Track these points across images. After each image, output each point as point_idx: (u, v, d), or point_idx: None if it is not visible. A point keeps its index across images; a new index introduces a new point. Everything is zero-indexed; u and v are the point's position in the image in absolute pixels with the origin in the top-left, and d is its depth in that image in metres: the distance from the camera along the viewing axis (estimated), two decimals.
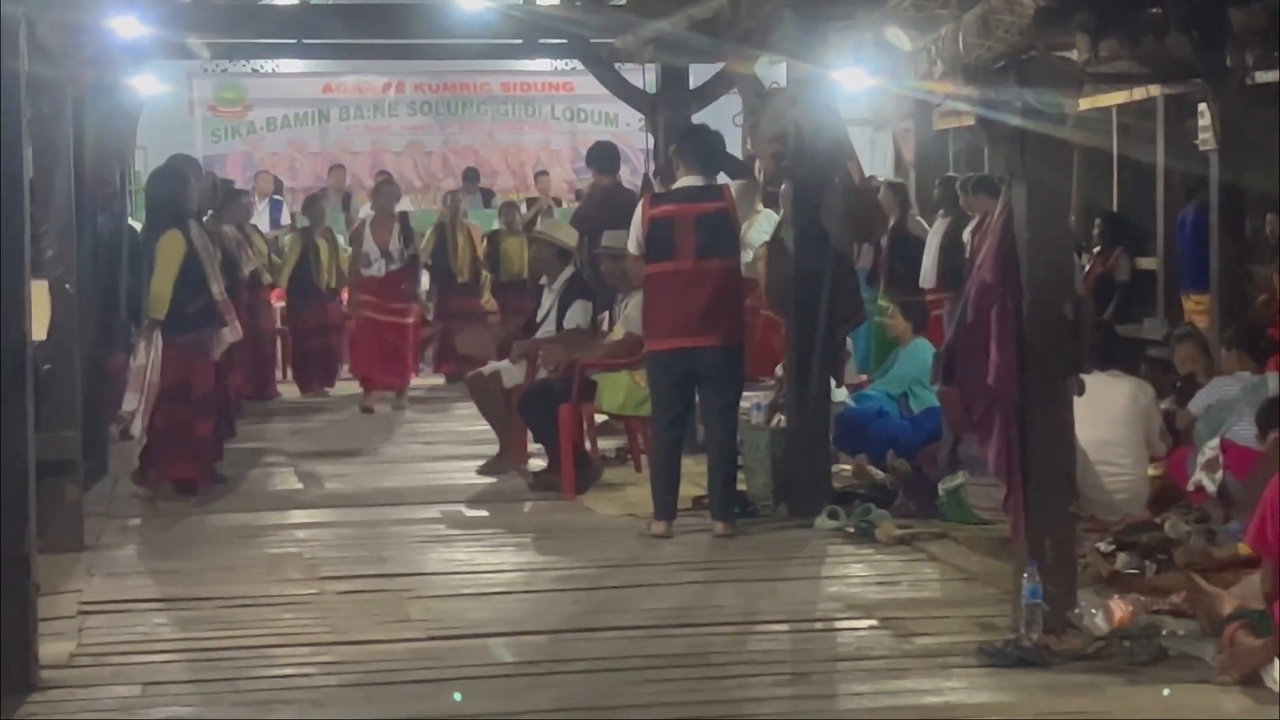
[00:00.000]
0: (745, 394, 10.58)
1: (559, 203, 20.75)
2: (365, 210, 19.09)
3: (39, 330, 7.40)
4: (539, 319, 12.32)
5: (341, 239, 17.64)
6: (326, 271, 17.06)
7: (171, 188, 11.20)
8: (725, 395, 10.12)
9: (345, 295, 16.78)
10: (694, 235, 9.95)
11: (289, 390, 17.52)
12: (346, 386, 17.42)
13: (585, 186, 20.25)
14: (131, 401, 10.79)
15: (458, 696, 6.93)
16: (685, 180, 10.12)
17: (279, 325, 17.75)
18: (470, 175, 21.91)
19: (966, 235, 14.59)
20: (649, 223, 10.02)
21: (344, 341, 17.66)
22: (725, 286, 10.03)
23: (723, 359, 10.03)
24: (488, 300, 18.37)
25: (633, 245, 10.22)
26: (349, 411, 16.00)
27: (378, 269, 15.85)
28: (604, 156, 14.16)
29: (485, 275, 18.24)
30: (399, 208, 16.74)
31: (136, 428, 10.82)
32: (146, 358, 10.78)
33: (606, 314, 12.22)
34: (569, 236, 12.43)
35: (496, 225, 18.86)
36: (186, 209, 11.26)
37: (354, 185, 21.93)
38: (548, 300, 12.30)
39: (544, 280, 12.56)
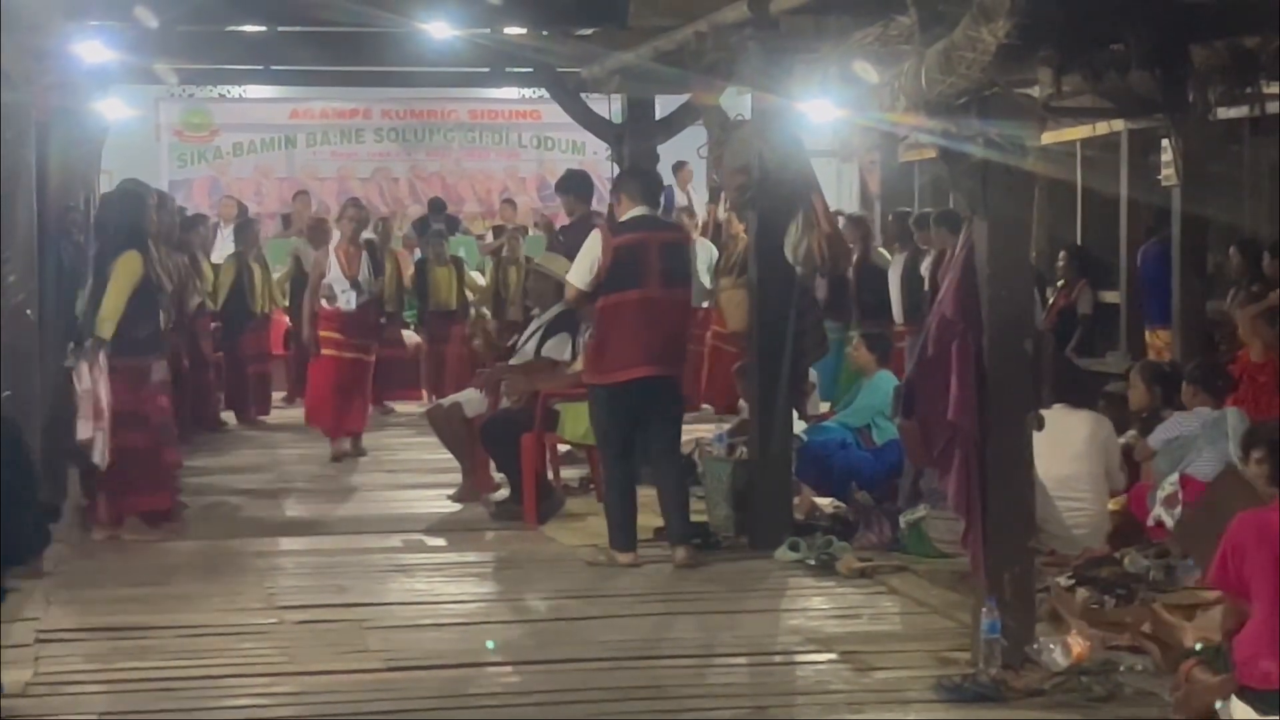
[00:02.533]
0: (705, 425, 10.64)
1: (525, 231, 20.76)
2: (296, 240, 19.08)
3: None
4: (519, 344, 12.38)
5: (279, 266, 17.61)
6: (261, 297, 16.93)
7: (129, 210, 10.90)
8: (674, 425, 10.28)
9: (306, 324, 14.97)
10: (659, 263, 10.00)
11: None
12: (282, 414, 17.42)
13: (549, 214, 20.35)
14: (86, 429, 10.35)
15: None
16: (636, 211, 10.13)
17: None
18: (436, 205, 21.89)
19: (924, 269, 14.69)
20: (614, 251, 9.95)
21: (277, 368, 17.52)
22: (683, 316, 10.39)
23: (675, 388, 10.28)
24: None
25: (580, 278, 10.04)
26: (310, 439, 15.92)
27: (345, 301, 14.38)
28: (583, 185, 14.19)
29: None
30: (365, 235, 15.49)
31: (98, 455, 10.40)
32: (92, 381, 10.37)
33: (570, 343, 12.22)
34: (562, 268, 12.42)
35: (461, 254, 18.87)
36: (145, 232, 10.96)
37: (320, 211, 21.89)
38: (531, 327, 12.41)
39: (535, 310, 12.69)
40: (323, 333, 14.46)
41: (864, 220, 16.98)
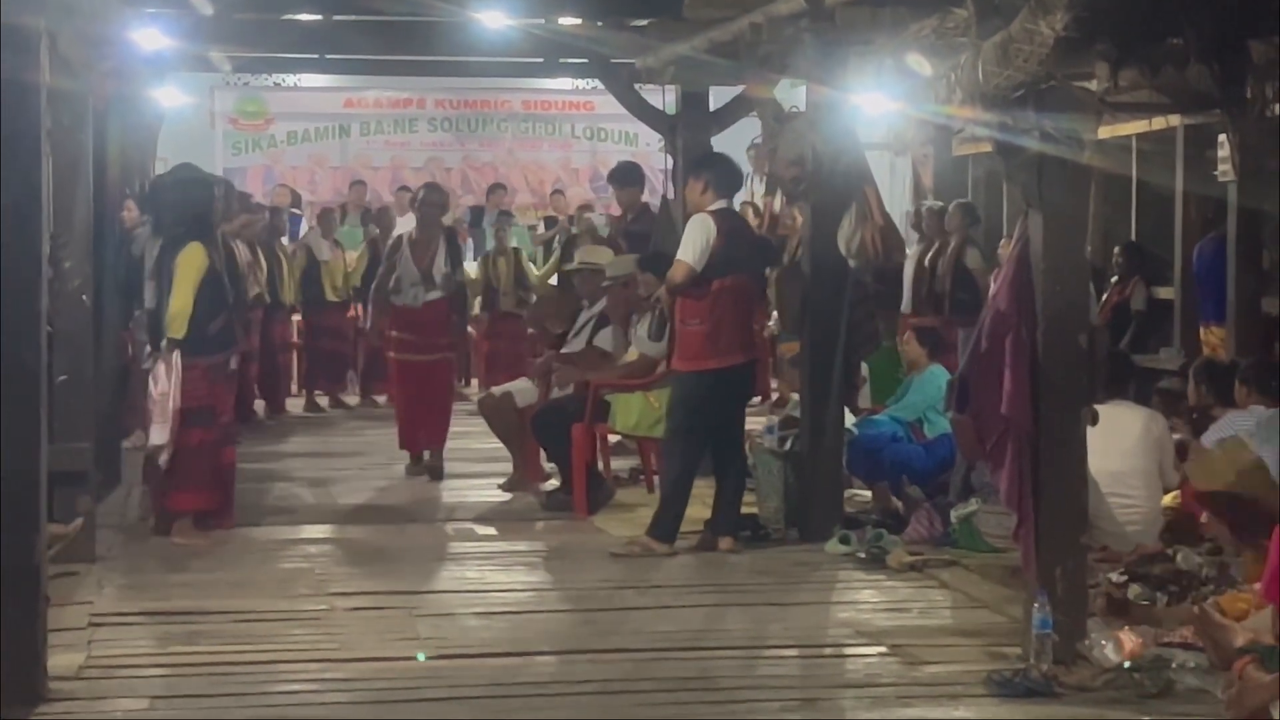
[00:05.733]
0: (755, 418, 10.69)
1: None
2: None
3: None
4: (570, 335, 12.43)
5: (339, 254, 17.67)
6: (287, 288, 16.90)
7: (191, 198, 10.52)
8: (744, 413, 10.45)
9: (371, 319, 13.82)
10: (751, 251, 10.32)
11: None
12: (294, 403, 17.55)
13: (605, 205, 20.33)
14: (160, 434, 10.09)
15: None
16: (720, 203, 10.15)
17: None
18: (498, 190, 21.90)
19: (927, 261, 15.23)
20: (725, 235, 10.01)
21: (292, 360, 17.54)
22: (757, 303, 10.73)
23: (755, 375, 10.65)
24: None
25: (694, 258, 9.97)
26: (362, 426, 15.98)
27: (413, 297, 12.93)
28: (640, 176, 14.24)
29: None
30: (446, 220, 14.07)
31: (165, 459, 10.17)
32: (169, 383, 10.07)
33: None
34: (612, 262, 12.48)
35: (514, 243, 18.88)
36: (209, 222, 10.60)
37: (373, 200, 21.94)
38: (582, 319, 12.50)
39: (585, 302, 12.77)
40: (392, 332, 13.18)
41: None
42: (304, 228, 19.94)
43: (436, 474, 12.95)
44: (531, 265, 18.75)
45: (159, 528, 10.45)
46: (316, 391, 17.87)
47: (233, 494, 10.80)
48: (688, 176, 10.60)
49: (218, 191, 11.00)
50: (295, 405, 17.69)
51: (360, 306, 17.61)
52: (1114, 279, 15.24)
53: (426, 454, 13.16)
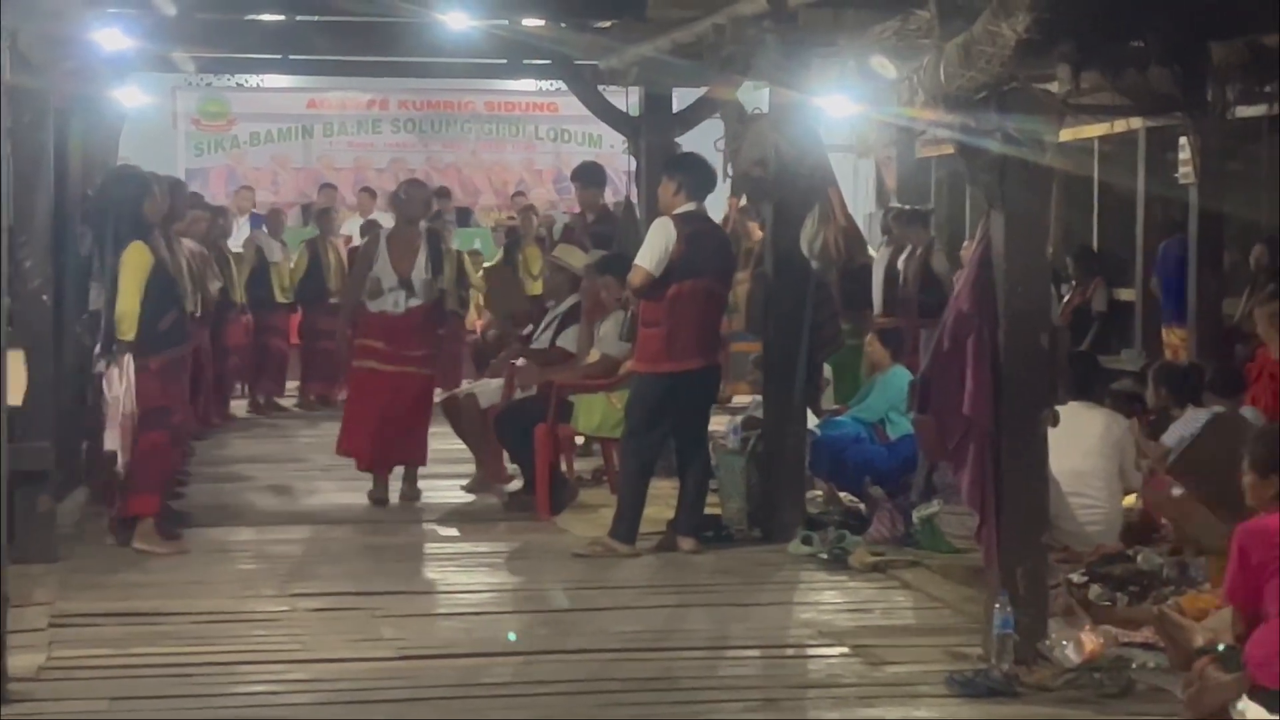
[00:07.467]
0: (718, 418, 10.71)
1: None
2: (352, 224, 19.11)
3: (15, 397, 7.27)
4: (535, 335, 12.44)
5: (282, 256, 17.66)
6: (240, 289, 16.77)
7: (131, 195, 10.14)
8: (707, 415, 10.42)
9: (342, 324, 12.46)
10: (714, 255, 10.20)
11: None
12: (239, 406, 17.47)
13: (568, 206, 20.32)
14: (114, 439, 9.80)
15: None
16: (689, 206, 10.12)
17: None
18: (444, 193, 21.89)
19: (900, 264, 15.10)
20: (686, 239, 9.97)
21: (240, 364, 17.36)
22: (723, 309, 10.69)
23: (719, 379, 10.61)
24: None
25: (653, 263, 9.95)
26: (324, 427, 15.92)
27: (393, 303, 11.80)
28: (602, 176, 14.28)
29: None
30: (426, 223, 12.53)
31: (122, 465, 9.86)
32: (121, 388, 9.82)
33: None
34: (579, 260, 12.53)
35: (477, 245, 18.86)
36: (149, 218, 10.21)
37: (338, 202, 21.88)
38: (547, 319, 12.54)
39: (550, 302, 12.80)
40: (362, 340, 11.95)
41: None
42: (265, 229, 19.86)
43: (411, 497, 12.05)
44: (471, 266, 18.77)
45: (121, 538, 10.15)
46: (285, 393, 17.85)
47: (170, 495, 10.66)
48: (660, 177, 10.58)
49: (157, 189, 10.67)
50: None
51: (302, 309, 17.67)
52: (1073, 282, 15.31)
53: (388, 481, 12.04)
